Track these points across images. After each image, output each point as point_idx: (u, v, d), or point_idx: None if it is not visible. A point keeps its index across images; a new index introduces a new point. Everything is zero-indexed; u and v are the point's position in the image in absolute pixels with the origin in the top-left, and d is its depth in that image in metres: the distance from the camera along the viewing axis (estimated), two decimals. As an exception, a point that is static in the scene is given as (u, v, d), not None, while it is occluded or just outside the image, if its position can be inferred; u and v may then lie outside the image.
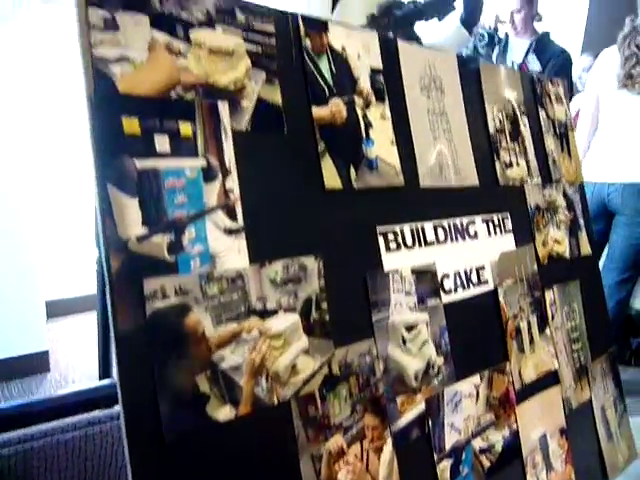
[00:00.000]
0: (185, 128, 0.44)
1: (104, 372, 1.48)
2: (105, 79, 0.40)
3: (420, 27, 1.58)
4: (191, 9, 0.45)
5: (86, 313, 3.04)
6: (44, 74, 2.70)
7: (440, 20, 1.59)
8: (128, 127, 0.41)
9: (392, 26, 1.43)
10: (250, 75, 0.48)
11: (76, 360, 2.59)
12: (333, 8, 1.40)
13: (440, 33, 1.64)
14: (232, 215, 0.45)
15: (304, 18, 0.51)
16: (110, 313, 0.38)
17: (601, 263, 2.22)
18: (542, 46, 2.32)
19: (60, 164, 2.87)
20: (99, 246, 1.82)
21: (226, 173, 0.45)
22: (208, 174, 0.44)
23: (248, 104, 0.47)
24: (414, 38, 1.49)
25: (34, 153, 2.47)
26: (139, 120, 0.41)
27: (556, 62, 2.27)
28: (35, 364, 2.40)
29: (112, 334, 0.39)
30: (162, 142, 0.42)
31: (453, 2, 1.56)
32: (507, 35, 2.31)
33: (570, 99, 2.47)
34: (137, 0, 0.42)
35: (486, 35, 2.32)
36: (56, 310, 2.87)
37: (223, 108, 0.46)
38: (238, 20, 0.48)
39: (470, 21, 1.65)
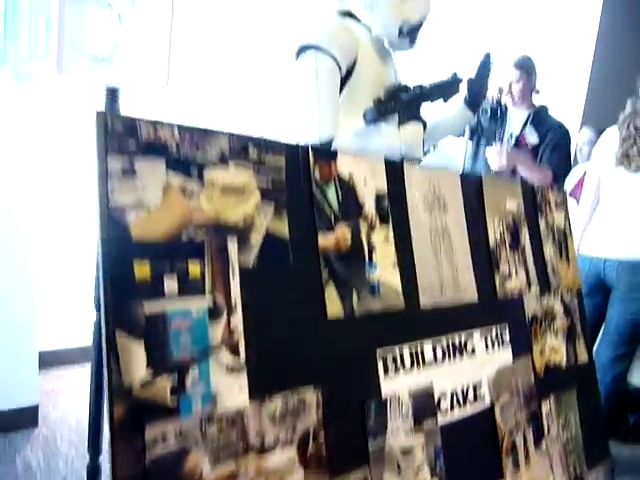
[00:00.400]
0: (194, 268, 0.45)
1: (93, 447, 1.46)
2: (120, 225, 0.41)
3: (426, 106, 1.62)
4: (206, 149, 0.47)
5: (81, 365, 3.00)
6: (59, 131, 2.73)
7: (445, 102, 1.63)
8: (139, 272, 0.42)
9: (398, 109, 1.47)
10: (259, 209, 0.50)
11: (66, 415, 2.54)
12: (341, 91, 1.44)
13: (445, 112, 1.68)
14: (235, 352, 0.46)
15: (314, 149, 0.53)
16: (109, 459, 0.38)
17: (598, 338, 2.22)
18: (540, 119, 2.37)
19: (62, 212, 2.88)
20: (98, 309, 1.82)
21: (231, 311, 0.46)
22: (214, 313, 0.45)
23: (256, 239, 0.49)
24: (419, 119, 1.53)
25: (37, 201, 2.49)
26: (150, 264, 0.42)
27: (554, 135, 2.32)
28: (24, 419, 2.34)
29: (105, 408, 0.39)
30: (171, 284, 0.43)
31: (458, 85, 1.61)
32: (506, 107, 2.36)
33: (569, 171, 2.53)
34: (155, 145, 0.44)
35: (489, 109, 2.37)
36: (49, 360, 2.83)
37: (232, 246, 0.47)
38: (250, 156, 0.50)
39: (474, 103, 1.70)
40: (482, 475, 0.63)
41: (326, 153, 0.55)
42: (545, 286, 0.77)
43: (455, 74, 1.62)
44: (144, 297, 0.42)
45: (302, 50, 1.38)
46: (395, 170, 0.60)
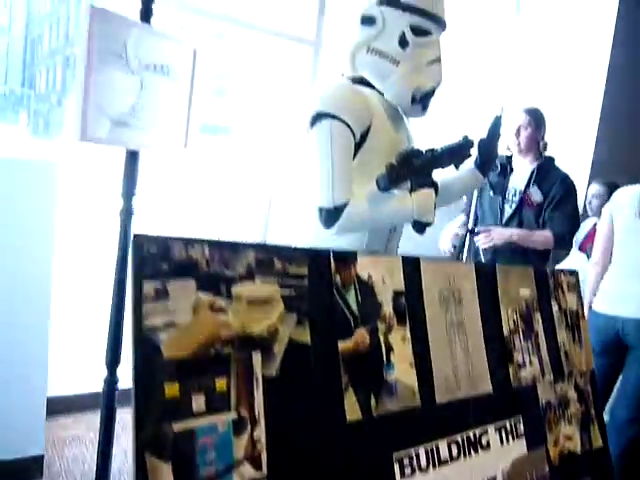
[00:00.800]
0: (220, 384, 0.46)
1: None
2: (152, 346, 0.43)
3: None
4: (234, 265, 0.49)
5: (89, 412, 2.97)
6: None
7: (457, 168, 1.66)
8: (169, 391, 0.43)
9: (410, 176, 1.49)
10: (283, 319, 0.51)
11: (73, 466, 2.51)
12: (354, 157, 1.47)
13: (455, 174, 1.71)
14: (257, 466, 0.47)
15: (335, 254, 0.55)
16: None
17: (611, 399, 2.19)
18: (544, 173, 2.38)
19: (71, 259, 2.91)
20: (110, 367, 1.83)
21: (255, 423, 0.47)
22: (238, 426, 0.47)
23: (279, 348, 0.51)
24: (431, 185, 1.56)
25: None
26: (179, 383, 0.44)
27: (556, 192, 2.33)
28: (28, 469, 2.32)
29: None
30: (199, 401, 0.45)
31: (469, 149, 1.64)
32: (511, 159, 2.35)
33: (575, 227, 2.53)
34: (186, 264, 0.46)
35: (499, 165, 2.38)
36: (57, 407, 2.82)
37: (256, 358, 0.49)
38: (275, 268, 0.52)
39: (485, 167, 1.73)
40: None
41: (346, 256, 0.57)
42: (559, 373, 0.77)
43: (466, 137, 1.65)
44: (173, 417, 0.43)
45: (317, 118, 1.42)
46: (412, 266, 0.62)
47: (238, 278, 0.49)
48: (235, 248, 0.49)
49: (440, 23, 1.57)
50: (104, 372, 2.45)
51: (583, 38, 4.45)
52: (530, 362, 0.73)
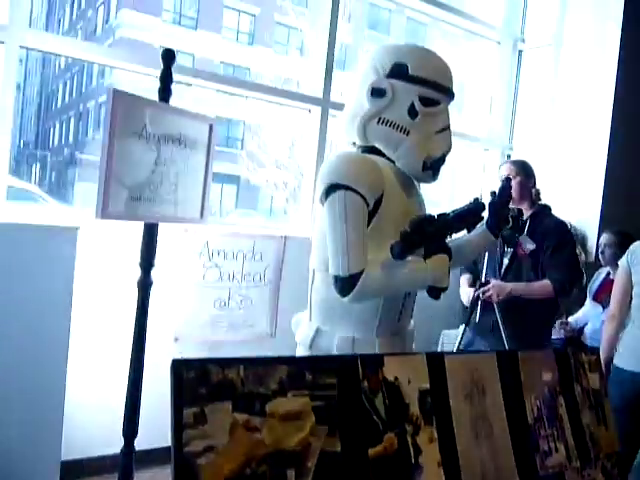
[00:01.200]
0: (257, 504, 0.47)
1: None
2: (192, 472, 0.44)
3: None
4: (267, 382, 0.51)
5: (103, 476, 2.93)
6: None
7: (469, 231, 1.69)
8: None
9: (424, 241, 1.52)
10: (314, 431, 0.53)
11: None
12: (368, 224, 1.50)
13: (467, 236, 1.74)
14: None
15: (362, 359, 0.57)
16: None
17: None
18: (538, 221, 2.42)
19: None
20: (126, 440, 1.82)
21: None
22: None
23: (312, 462, 0.52)
24: (445, 250, 1.58)
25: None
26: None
27: (551, 240, 2.35)
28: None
29: None
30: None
31: (481, 212, 1.67)
32: (522, 212, 2.40)
33: (576, 272, 2.53)
34: (223, 386, 0.48)
35: (511, 219, 2.41)
36: (72, 471, 2.79)
37: (290, 473, 0.50)
38: (306, 380, 0.53)
39: (496, 227, 1.75)
40: None
41: (373, 360, 0.58)
42: (585, 458, 0.77)
43: (477, 199, 1.69)
44: None
45: (332, 189, 1.46)
46: (436, 362, 0.64)
47: (271, 394, 0.50)
48: (268, 364, 0.51)
49: (448, 93, 1.63)
50: (118, 438, 2.44)
51: (586, 91, 4.55)
52: (556, 449, 0.73)
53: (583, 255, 4.32)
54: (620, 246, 2.98)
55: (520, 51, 5.10)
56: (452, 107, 1.76)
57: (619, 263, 2.40)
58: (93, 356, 2.77)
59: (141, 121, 1.57)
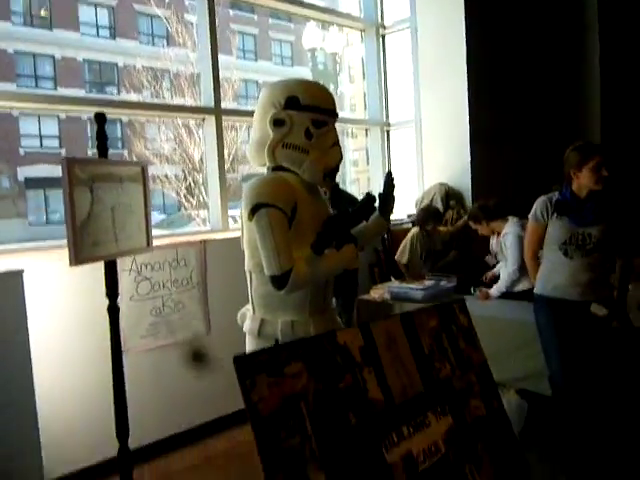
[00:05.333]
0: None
1: None
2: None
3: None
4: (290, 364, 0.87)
5: None
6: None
7: (367, 221, 2.14)
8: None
9: (335, 237, 1.94)
10: (310, 380, 0.90)
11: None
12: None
13: (365, 224, 2.17)
14: None
15: (325, 335, 0.94)
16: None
17: None
18: None
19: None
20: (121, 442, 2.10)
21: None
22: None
23: (311, 394, 0.89)
24: (352, 240, 2.00)
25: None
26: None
27: None
28: None
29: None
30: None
31: (373, 203, 2.11)
32: None
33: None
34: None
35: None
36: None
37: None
38: (303, 354, 0.90)
39: (386, 213, 2.20)
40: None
41: (331, 335, 0.96)
42: (463, 368, 1.21)
43: (368, 193, 2.16)
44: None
45: (256, 208, 1.86)
46: (366, 329, 1.03)
47: (285, 361, 0.88)
48: (287, 349, 0.87)
49: (333, 114, 2.06)
50: (101, 446, 2.72)
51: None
52: (444, 365, 1.17)
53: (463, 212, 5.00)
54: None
55: (383, 36, 5.65)
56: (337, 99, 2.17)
57: (531, 217, 3.04)
58: (58, 376, 2.97)
59: (88, 174, 1.84)
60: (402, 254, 4.60)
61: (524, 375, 3.28)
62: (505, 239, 3.81)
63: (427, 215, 4.56)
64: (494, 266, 4.13)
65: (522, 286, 3.67)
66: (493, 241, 4.00)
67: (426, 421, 1.07)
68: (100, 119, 1.87)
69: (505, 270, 3.79)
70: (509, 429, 1.27)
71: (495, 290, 3.78)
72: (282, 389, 0.84)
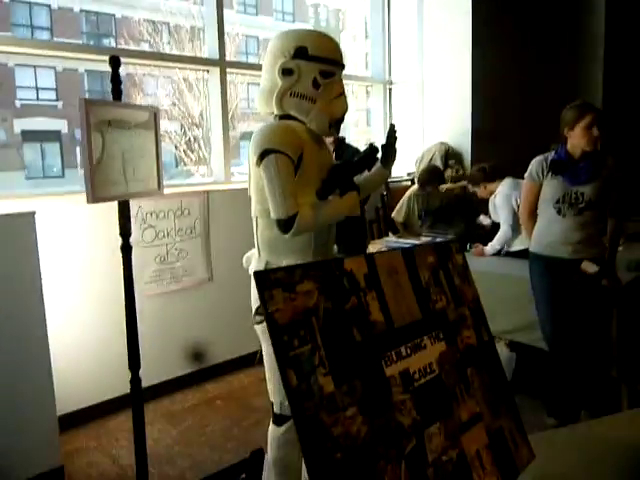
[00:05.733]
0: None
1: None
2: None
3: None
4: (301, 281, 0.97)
5: (103, 419, 3.28)
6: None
7: (370, 170, 2.22)
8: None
9: (339, 184, 2.02)
10: (320, 298, 1.00)
11: (88, 471, 2.86)
12: (295, 176, 1.97)
13: (368, 173, 2.26)
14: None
15: (334, 261, 1.04)
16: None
17: None
18: None
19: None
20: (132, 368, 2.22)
21: (318, 349, 0.96)
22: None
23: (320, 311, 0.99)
24: (354, 188, 2.08)
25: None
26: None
27: None
28: None
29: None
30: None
31: (376, 154, 2.19)
32: None
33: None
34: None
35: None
36: (71, 421, 3.12)
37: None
38: (314, 275, 1.00)
39: (388, 163, 2.27)
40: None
41: (339, 261, 1.06)
42: (457, 302, 1.31)
43: (372, 144, 2.23)
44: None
45: (265, 153, 1.94)
46: (371, 258, 1.13)
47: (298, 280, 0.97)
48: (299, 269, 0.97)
49: (340, 65, 2.12)
50: (111, 384, 2.86)
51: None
52: (440, 298, 1.27)
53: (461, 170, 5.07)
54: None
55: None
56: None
57: (527, 176, 3.12)
58: (70, 314, 3.10)
59: (102, 117, 1.90)
60: (399, 213, 4.68)
61: (514, 327, 3.42)
62: (495, 200, 3.89)
63: (430, 176, 4.62)
64: (491, 227, 4.21)
65: (518, 245, 3.77)
66: (491, 203, 4.09)
67: (422, 344, 1.18)
68: (115, 62, 1.92)
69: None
70: (497, 359, 1.38)
71: (490, 247, 3.88)
72: (296, 304, 0.93)
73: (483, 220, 4.25)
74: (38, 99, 19.05)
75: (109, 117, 2.04)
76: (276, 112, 2.10)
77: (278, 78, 2.04)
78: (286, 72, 2.04)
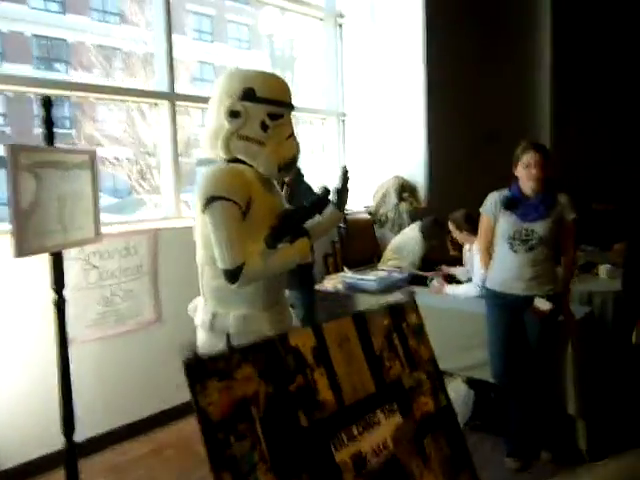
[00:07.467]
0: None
1: None
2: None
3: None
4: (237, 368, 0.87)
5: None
6: None
7: (321, 214, 2.13)
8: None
9: (289, 231, 1.93)
10: (261, 383, 0.90)
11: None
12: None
13: (320, 216, 2.17)
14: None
15: (277, 338, 0.94)
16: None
17: None
18: None
19: None
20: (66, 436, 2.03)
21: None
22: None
23: (262, 399, 0.89)
24: (305, 234, 1.99)
25: None
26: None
27: None
28: None
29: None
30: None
31: (328, 197, 2.12)
32: None
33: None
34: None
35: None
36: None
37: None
38: (253, 358, 0.90)
39: (341, 206, 2.20)
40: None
41: (283, 337, 0.96)
42: (412, 365, 1.23)
43: (324, 187, 2.16)
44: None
45: (210, 200, 1.84)
46: (317, 329, 1.04)
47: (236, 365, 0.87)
48: (238, 353, 0.87)
49: (290, 106, 2.04)
50: (46, 438, 2.64)
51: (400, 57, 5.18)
52: (394, 364, 1.19)
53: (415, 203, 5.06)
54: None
55: (340, 25, 5.63)
56: (292, 86, 2.14)
57: (482, 210, 3.09)
58: (3, 371, 2.86)
59: (32, 161, 1.76)
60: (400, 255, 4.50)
61: (472, 364, 3.38)
62: (473, 258, 3.71)
63: (432, 229, 4.42)
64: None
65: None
66: (466, 255, 3.94)
67: (375, 419, 1.09)
68: (47, 104, 1.79)
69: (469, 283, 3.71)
70: (455, 423, 1.31)
71: (450, 290, 3.80)
72: (233, 393, 0.83)
73: (460, 276, 4.03)
74: (-15, 124, 18.42)
75: (43, 159, 1.90)
76: (223, 155, 2.01)
77: (225, 120, 1.95)
78: (233, 114, 1.95)
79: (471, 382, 3.55)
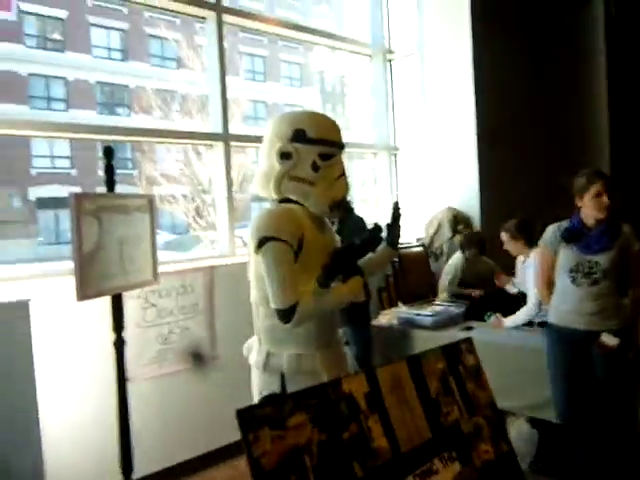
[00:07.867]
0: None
1: None
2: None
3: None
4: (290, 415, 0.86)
5: None
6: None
7: (374, 252, 2.12)
8: None
9: (341, 269, 1.92)
10: (314, 431, 0.88)
11: None
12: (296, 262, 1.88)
13: (373, 254, 2.15)
14: None
15: (330, 384, 0.93)
16: None
17: None
18: None
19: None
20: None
21: None
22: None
23: (315, 444, 0.88)
24: (358, 272, 1.99)
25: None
26: None
27: None
28: None
29: None
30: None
31: (380, 234, 2.10)
32: None
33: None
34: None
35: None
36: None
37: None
38: (307, 403, 0.89)
39: (394, 243, 2.18)
40: None
41: (336, 383, 0.95)
42: (471, 410, 1.18)
43: (376, 224, 2.15)
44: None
45: (263, 241, 1.86)
46: (371, 374, 1.02)
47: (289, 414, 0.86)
48: (289, 403, 0.86)
49: (340, 146, 2.06)
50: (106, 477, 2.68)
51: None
52: (452, 409, 1.15)
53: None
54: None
55: (390, 60, 5.69)
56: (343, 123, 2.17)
57: (542, 242, 3.03)
58: (63, 407, 2.95)
59: (95, 207, 1.85)
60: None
61: (535, 403, 3.23)
62: (526, 268, 3.61)
63: (469, 241, 4.41)
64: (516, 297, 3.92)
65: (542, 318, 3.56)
66: (519, 268, 3.82)
67: (433, 468, 1.05)
68: (108, 152, 1.89)
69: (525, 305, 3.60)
70: (518, 470, 1.24)
71: (510, 322, 3.67)
72: (285, 442, 0.82)
73: (509, 289, 3.98)
74: (53, 167, 19.47)
75: (105, 204, 1.98)
76: (274, 196, 2.04)
77: (276, 162, 1.99)
78: (284, 156, 1.98)
79: (534, 421, 3.39)
